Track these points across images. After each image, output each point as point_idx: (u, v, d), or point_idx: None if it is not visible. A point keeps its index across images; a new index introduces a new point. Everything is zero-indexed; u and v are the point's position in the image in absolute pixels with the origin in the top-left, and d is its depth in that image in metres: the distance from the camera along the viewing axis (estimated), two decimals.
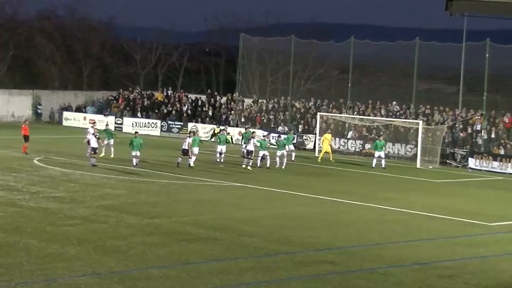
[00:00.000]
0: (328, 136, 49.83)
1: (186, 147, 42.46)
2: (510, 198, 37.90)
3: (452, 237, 26.74)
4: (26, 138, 45.19)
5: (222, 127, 51.40)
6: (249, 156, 43.35)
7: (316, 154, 51.16)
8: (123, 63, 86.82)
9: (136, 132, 44.59)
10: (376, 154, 46.42)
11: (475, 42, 53.56)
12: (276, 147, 45.23)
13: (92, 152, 40.90)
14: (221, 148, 45.14)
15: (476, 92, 53.62)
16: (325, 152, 48.96)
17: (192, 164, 42.21)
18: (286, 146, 45.18)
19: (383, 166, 45.96)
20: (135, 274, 20.02)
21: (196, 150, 43.05)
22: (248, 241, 24.30)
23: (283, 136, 47.92)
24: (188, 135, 45.30)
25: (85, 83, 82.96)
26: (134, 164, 41.06)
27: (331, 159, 48.44)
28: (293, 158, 46.72)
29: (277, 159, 44.00)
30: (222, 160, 44.85)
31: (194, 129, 55.82)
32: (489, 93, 51.70)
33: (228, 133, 50.04)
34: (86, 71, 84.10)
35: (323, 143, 49.65)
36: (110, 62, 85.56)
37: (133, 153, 41.23)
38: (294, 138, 50.31)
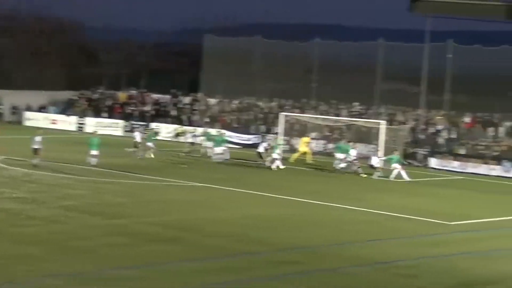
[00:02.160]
0: (306, 139, 49.76)
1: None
2: (471, 197, 38.38)
3: (414, 237, 27.00)
4: None
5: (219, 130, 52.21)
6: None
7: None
8: (87, 63, 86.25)
9: (95, 132, 44.47)
10: (339, 156, 46.04)
11: (437, 43, 54.09)
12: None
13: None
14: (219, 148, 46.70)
15: (438, 92, 54.18)
16: (302, 153, 48.88)
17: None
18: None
19: (342, 166, 45.69)
20: (100, 275, 19.90)
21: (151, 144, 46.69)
22: (215, 242, 24.30)
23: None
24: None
25: (48, 83, 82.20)
26: (93, 163, 40.80)
27: (309, 160, 48.28)
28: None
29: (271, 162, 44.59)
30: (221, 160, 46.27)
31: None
32: (451, 94, 52.22)
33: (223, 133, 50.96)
34: (49, 71, 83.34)
35: (301, 145, 49.58)
36: (74, 62, 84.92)
37: (92, 152, 41.04)
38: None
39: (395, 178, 42.42)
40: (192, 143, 51.36)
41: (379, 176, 42.54)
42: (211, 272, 20.62)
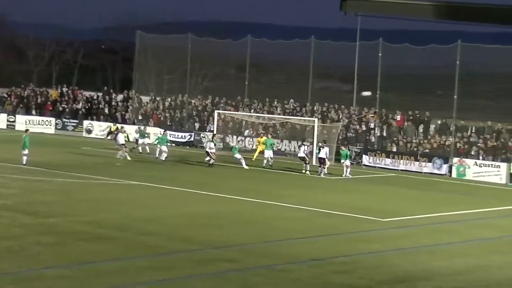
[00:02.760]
0: (261, 139, 49.41)
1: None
2: (403, 194, 38.91)
3: (348, 233, 27.25)
4: None
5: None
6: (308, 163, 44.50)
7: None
8: (15, 59, 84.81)
9: (27, 130, 43.49)
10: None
11: (368, 42, 54.70)
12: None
13: None
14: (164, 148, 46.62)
15: (369, 90, 54.80)
16: (260, 152, 48.68)
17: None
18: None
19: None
20: (29, 274, 19.56)
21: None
22: (147, 240, 24.11)
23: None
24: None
25: None
26: (24, 162, 39.99)
27: (253, 159, 48.17)
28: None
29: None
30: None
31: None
32: (381, 92, 52.90)
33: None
34: None
35: (259, 145, 49.33)
36: (1, 59, 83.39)
37: (24, 152, 40.18)
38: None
39: (324, 175, 42.96)
40: (136, 141, 50.71)
41: (324, 174, 42.96)
42: (142, 271, 20.44)
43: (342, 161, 44.36)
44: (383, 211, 31.96)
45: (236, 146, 47.86)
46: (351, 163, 45.78)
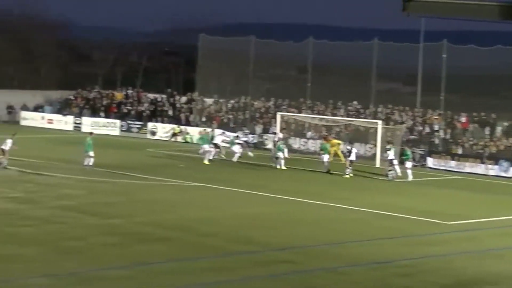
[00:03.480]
0: (334, 142, 48.89)
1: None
2: (468, 197, 38.32)
3: (411, 236, 26.95)
4: None
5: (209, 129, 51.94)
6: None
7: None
8: (81, 62, 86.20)
9: (91, 133, 43.82)
10: (281, 154, 44.99)
11: (432, 43, 54.06)
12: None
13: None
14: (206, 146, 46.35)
15: (433, 92, 54.14)
16: (334, 155, 48.24)
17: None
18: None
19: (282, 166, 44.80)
20: (93, 274, 19.85)
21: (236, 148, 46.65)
22: (207, 241, 24.24)
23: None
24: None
25: (42, 82, 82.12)
26: (88, 164, 40.13)
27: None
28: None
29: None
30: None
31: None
32: (446, 94, 52.23)
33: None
34: (43, 70, 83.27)
35: (332, 147, 48.69)
36: (68, 62, 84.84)
37: (86, 154, 40.29)
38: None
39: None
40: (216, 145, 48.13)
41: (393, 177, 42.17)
42: (202, 271, 20.55)
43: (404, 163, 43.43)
44: (447, 214, 31.51)
45: (281, 146, 46.86)
46: (414, 165, 45.22)
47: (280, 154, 45.15)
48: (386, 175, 42.48)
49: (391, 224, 29.01)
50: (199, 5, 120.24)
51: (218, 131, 52.32)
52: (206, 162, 45.34)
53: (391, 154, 43.02)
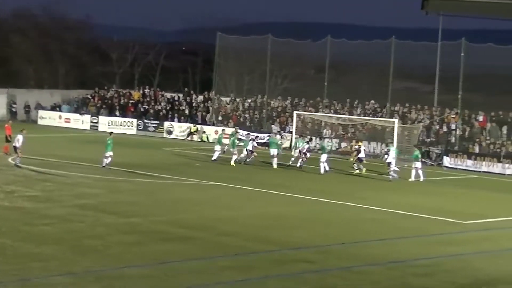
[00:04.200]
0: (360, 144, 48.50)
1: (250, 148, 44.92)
2: (485, 196, 38.18)
3: (428, 236, 26.90)
4: (8, 138, 44.85)
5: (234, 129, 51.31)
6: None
7: (292, 153, 50.28)
8: (99, 61, 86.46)
9: (111, 133, 43.39)
10: (271, 152, 44.61)
11: (450, 41, 53.87)
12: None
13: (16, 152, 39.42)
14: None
15: (451, 91, 53.93)
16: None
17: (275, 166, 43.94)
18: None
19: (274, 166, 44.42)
20: (111, 273, 19.95)
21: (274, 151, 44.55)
22: (226, 240, 24.30)
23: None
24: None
25: (60, 81, 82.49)
26: (106, 163, 39.97)
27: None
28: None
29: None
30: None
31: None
32: (464, 92, 52.03)
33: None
34: (61, 69, 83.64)
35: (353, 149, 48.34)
36: (86, 61, 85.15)
37: (106, 153, 40.12)
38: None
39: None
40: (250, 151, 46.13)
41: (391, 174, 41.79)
42: (221, 270, 20.61)
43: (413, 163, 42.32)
44: (465, 213, 31.43)
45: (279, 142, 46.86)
46: (432, 165, 45.06)
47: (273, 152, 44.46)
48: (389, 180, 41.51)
49: (408, 224, 28.96)
50: (217, 4, 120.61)
51: (250, 135, 51.14)
52: (232, 163, 44.72)
53: (390, 156, 42.07)
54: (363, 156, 43.77)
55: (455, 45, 52.65)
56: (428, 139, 51.98)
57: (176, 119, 64.15)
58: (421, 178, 41.74)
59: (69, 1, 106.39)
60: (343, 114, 56.04)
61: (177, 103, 67.18)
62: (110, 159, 40.22)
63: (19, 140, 39.74)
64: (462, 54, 51.60)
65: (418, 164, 42.18)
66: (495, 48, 51.62)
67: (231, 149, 45.72)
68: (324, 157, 43.30)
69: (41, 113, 70.62)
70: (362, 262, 22.18)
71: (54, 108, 71.94)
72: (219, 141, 47.08)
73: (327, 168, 43.00)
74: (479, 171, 47.41)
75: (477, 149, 49.56)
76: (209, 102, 65.13)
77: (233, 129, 49.67)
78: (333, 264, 21.93)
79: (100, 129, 65.07)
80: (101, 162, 40.31)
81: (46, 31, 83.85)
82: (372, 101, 56.95)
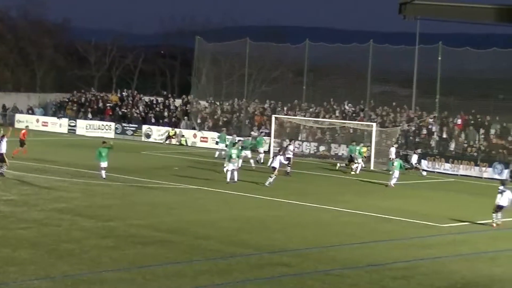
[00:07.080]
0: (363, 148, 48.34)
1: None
2: (462, 199, 38.40)
3: (406, 239, 26.99)
4: (22, 142, 44.96)
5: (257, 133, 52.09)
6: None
7: (356, 160, 48.52)
8: (77, 65, 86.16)
9: (103, 142, 40.09)
10: (260, 150, 47.00)
11: (428, 45, 54.19)
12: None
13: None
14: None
15: (429, 94, 54.25)
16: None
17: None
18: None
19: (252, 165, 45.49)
20: (89, 277, 19.83)
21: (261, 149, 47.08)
22: (204, 244, 24.24)
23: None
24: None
25: (38, 85, 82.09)
26: (104, 176, 37.58)
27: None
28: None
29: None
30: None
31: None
32: (441, 96, 52.32)
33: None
34: (39, 73, 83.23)
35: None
36: (64, 64, 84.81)
37: (102, 165, 37.70)
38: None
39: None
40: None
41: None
42: (200, 274, 20.55)
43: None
44: (442, 217, 31.57)
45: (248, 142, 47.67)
46: (409, 168, 45.29)
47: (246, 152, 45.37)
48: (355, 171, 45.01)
49: (386, 227, 29.05)
50: (195, 8, 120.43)
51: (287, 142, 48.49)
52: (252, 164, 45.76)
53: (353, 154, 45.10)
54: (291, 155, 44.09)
55: (432, 49, 52.99)
56: (406, 143, 52.18)
57: (154, 123, 64.01)
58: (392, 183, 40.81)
59: (47, 4, 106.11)
60: (321, 117, 56.16)
61: (155, 106, 67.03)
62: (103, 171, 37.68)
63: (1, 146, 37.41)
64: (440, 58, 51.90)
65: (396, 173, 40.98)
66: (472, 52, 52.00)
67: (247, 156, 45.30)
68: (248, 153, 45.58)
69: (18, 116, 70.18)
70: (340, 265, 22.21)
71: (28, 111, 71.52)
72: (223, 140, 47.45)
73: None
74: (457, 174, 47.67)
75: (454, 153, 49.77)
76: (187, 105, 65.03)
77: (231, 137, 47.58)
78: (311, 267, 21.94)
79: (78, 132, 64.82)
80: (100, 176, 37.86)
81: (24, 34, 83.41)
82: (350, 105, 57.10)
